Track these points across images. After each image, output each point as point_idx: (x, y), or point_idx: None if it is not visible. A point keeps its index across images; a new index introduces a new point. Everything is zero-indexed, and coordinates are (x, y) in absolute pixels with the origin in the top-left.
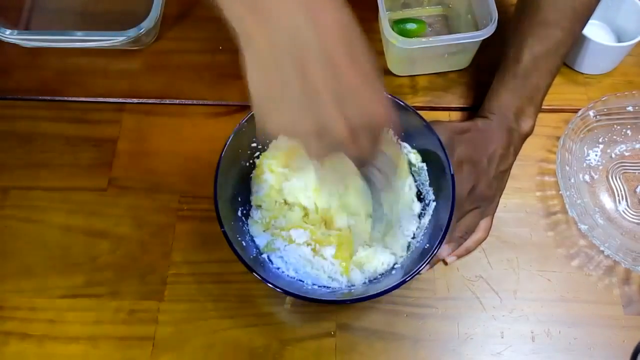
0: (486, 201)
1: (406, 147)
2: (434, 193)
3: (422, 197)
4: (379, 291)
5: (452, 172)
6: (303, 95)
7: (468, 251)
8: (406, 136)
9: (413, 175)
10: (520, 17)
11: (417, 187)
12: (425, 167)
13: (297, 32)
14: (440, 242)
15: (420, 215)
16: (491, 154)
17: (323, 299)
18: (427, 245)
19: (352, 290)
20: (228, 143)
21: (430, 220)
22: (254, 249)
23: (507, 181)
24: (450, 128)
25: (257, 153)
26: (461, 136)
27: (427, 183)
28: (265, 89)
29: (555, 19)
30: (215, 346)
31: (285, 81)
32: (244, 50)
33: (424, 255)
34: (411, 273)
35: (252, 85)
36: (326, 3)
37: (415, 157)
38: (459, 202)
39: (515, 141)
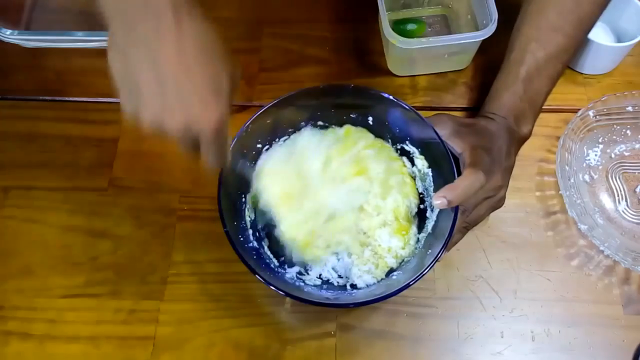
0: (498, 192)
1: (414, 153)
2: None
3: (425, 202)
4: (380, 295)
5: (456, 177)
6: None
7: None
8: (411, 139)
9: (419, 181)
10: (523, 20)
11: (421, 192)
12: (431, 173)
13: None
14: (444, 247)
15: (424, 221)
16: (498, 147)
17: (323, 302)
18: (430, 251)
19: (353, 294)
20: (233, 143)
21: (433, 226)
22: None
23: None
24: (456, 120)
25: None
26: (468, 128)
27: (432, 188)
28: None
29: (559, 25)
30: (216, 346)
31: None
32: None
33: (427, 261)
34: (414, 278)
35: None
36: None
37: (421, 163)
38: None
39: (515, 142)
